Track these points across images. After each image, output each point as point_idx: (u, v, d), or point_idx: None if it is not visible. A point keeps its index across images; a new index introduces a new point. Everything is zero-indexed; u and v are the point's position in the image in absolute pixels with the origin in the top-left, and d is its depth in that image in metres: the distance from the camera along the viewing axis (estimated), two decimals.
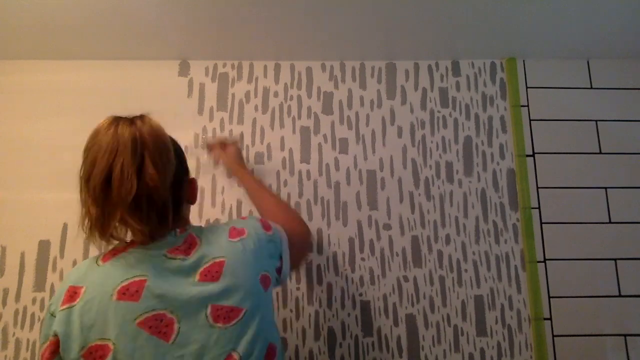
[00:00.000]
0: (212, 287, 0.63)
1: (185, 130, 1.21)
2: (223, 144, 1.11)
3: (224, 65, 1.26)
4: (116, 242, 0.67)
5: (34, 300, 1.10)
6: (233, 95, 1.24)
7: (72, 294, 0.62)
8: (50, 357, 0.60)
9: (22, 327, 1.08)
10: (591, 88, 1.25)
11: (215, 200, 1.17)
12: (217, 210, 1.17)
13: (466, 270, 1.15)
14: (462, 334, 1.12)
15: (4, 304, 1.09)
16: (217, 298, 0.63)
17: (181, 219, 0.73)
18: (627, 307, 1.13)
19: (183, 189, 0.73)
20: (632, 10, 1.05)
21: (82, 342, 0.58)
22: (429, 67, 1.27)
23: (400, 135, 1.23)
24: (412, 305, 1.13)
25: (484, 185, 1.20)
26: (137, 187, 0.61)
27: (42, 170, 1.17)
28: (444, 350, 1.11)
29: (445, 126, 1.24)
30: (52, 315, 0.63)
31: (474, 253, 1.16)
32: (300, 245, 0.85)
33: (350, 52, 1.23)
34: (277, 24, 1.09)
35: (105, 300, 0.60)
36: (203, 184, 1.18)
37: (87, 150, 0.66)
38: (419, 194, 1.19)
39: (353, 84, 1.26)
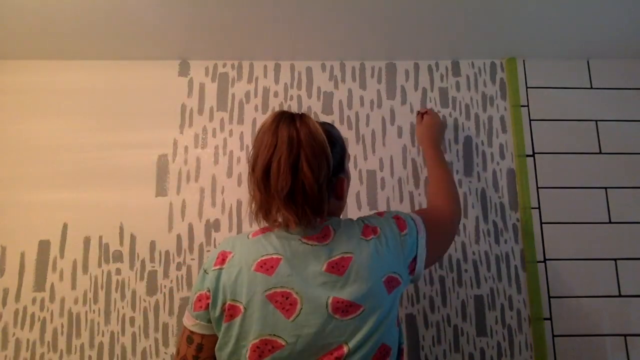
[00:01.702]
0: (335, 280, 0.67)
1: (185, 130, 1.21)
2: (422, 114, 1.15)
3: (224, 65, 1.26)
4: (278, 225, 0.74)
5: (34, 300, 1.10)
6: (233, 95, 1.24)
7: (223, 257, 0.72)
8: (202, 307, 0.70)
9: (22, 327, 1.08)
10: (591, 88, 1.25)
11: (215, 201, 1.17)
12: (217, 210, 1.17)
13: (466, 270, 1.15)
14: (462, 334, 1.12)
15: (4, 304, 1.09)
16: (340, 291, 0.66)
17: (326, 211, 0.75)
18: (627, 307, 1.13)
19: (332, 185, 0.76)
20: (632, 10, 1.05)
21: (224, 299, 0.68)
22: (429, 67, 1.27)
23: (400, 135, 1.23)
24: (412, 305, 1.13)
25: (484, 185, 1.20)
26: (292, 182, 0.67)
27: (42, 170, 1.17)
28: (444, 350, 1.11)
29: (445, 126, 1.23)
30: (205, 272, 0.72)
31: (474, 253, 1.16)
32: (442, 233, 0.84)
33: (350, 52, 1.23)
34: (277, 24, 1.09)
35: (245, 269, 0.69)
36: (203, 184, 1.18)
37: (255, 142, 0.73)
38: (419, 194, 1.19)
39: (353, 84, 1.26)
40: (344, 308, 0.65)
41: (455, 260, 1.16)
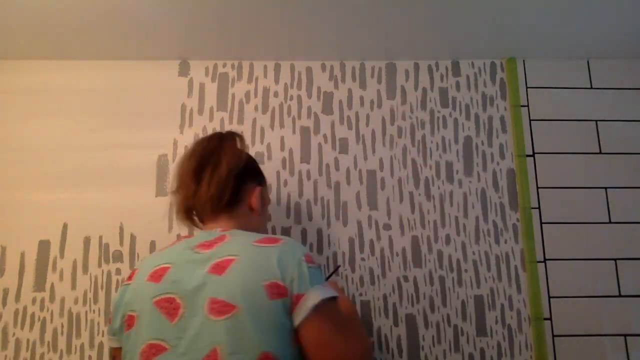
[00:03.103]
0: (214, 280, 0.67)
1: (185, 130, 1.21)
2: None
3: (224, 65, 1.26)
4: (191, 225, 0.85)
5: (34, 300, 1.10)
6: (233, 95, 1.24)
7: (132, 274, 0.77)
8: (109, 322, 0.77)
9: (22, 327, 1.08)
10: (591, 88, 1.25)
11: None
12: None
13: (466, 270, 1.15)
14: (462, 334, 1.12)
15: (4, 304, 1.09)
16: (216, 291, 0.65)
17: (232, 219, 0.81)
18: (627, 307, 1.13)
19: (243, 191, 0.83)
20: (632, 10, 1.05)
21: (124, 311, 0.72)
22: (429, 67, 1.27)
23: (400, 135, 1.23)
24: (412, 305, 1.13)
25: (484, 185, 1.20)
26: (201, 163, 0.79)
27: (42, 170, 1.17)
28: (444, 350, 1.11)
29: (445, 126, 1.24)
30: (120, 287, 0.77)
31: (474, 253, 1.16)
32: (338, 338, 0.69)
33: (350, 52, 1.23)
34: (277, 24, 1.09)
35: (142, 280, 0.72)
36: None
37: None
38: (419, 194, 1.19)
39: (353, 84, 1.26)
40: (218, 308, 0.64)
41: (455, 260, 1.16)
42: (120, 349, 0.73)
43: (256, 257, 0.68)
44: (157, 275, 0.71)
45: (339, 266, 1.12)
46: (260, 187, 0.86)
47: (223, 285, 0.66)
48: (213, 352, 0.62)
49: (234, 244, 0.72)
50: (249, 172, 0.86)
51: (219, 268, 0.67)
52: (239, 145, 0.85)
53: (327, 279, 0.99)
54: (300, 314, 0.65)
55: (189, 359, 0.63)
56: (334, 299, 0.69)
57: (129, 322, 0.70)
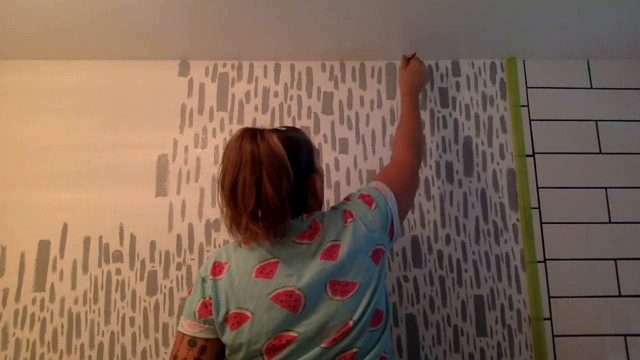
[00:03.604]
0: (330, 265, 0.73)
1: (185, 130, 1.21)
2: (408, 59, 1.18)
3: (224, 65, 1.26)
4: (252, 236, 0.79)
5: (34, 300, 1.10)
6: (233, 95, 1.24)
7: (219, 268, 0.76)
8: (205, 313, 0.73)
9: (22, 327, 1.08)
10: (591, 88, 1.25)
11: (215, 201, 1.17)
12: (217, 210, 1.16)
13: (466, 270, 1.15)
14: (462, 334, 1.12)
15: (4, 304, 1.09)
16: (335, 275, 0.73)
17: (308, 208, 0.82)
18: (627, 307, 1.13)
19: (305, 186, 0.82)
20: (632, 10, 1.05)
21: (226, 309, 0.72)
22: (429, 67, 1.27)
23: None
24: (412, 305, 1.13)
25: (484, 185, 1.20)
26: (256, 199, 0.71)
27: (42, 170, 1.17)
28: (444, 350, 1.11)
29: (445, 126, 1.24)
30: (204, 280, 0.76)
31: (474, 253, 1.16)
32: (406, 187, 0.90)
33: (350, 52, 1.23)
34: (277, 24, 1.09)
35: (246, 276, 0.73)
36: (203, 184, 1.18)
37: (223, 159, 0.76)
38: (419, 194, 1.19)
39: (353, 84, 1.26)
40: (341, 289, 0.72)
41: (455, 260, 1.16)
42: (216, 340, 0.73)
43: (353, 236, 0.76)
44: (266, 271, 0.73)
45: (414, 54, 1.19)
46: (316, 177, 0.83)
47: (339, 268, 0.73)
48: (345, 325, 0.70)
49: (331, 229, 0.77)
50: (303, 171, 0.80)
51: (330, 254, 0.74)
52: (277, 142, 0.76)
53: (410, 59, 1.17)
54: (398, 230, 0.84)
55: (322, 337, 0.70)
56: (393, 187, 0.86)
57: (237, 319, 0.71)
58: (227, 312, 0.72)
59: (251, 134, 0.74)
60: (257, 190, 0.71)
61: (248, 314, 0.71)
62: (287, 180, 0.74)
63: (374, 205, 0.82)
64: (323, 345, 0.70)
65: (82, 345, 1.08)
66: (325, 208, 1.17)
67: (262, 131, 0.75)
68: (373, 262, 0.76)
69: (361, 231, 0.78)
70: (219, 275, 0.74)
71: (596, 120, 1.23)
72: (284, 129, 0.84)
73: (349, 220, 0.79)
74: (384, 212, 0.82)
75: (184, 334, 0.74)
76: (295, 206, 0.77)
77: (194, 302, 0.75)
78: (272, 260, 0.74)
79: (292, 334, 0.70)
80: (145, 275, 1.12)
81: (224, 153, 0.75)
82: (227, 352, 0.73)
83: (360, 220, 0.79)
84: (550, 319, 1.12)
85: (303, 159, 0.82)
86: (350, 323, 0.71)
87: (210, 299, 0.73)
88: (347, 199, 0.86)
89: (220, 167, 0.75)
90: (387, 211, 0.82)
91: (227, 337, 0.72)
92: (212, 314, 0.73)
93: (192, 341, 0.73)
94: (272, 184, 0.71)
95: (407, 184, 0.92)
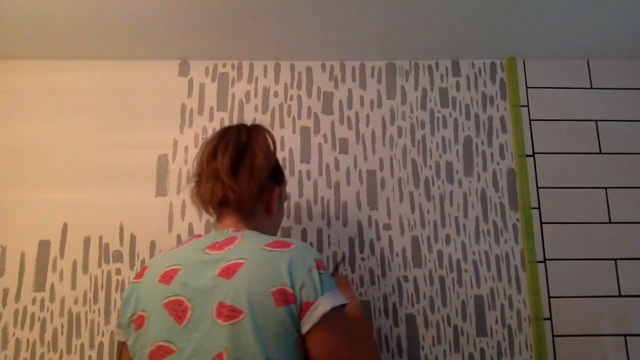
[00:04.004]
0: (223, 284, 0.66)
1: (185, 130, 1.21)
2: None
3: (224, 65, 1.26)
4: (207, 213, 0.81)
5: (34, 300, 1.10)
6: (233, 95, 1.24)
7: (142, 272, 0.76)
8: (118, 316, 0.75)
9: (22, 327, 1.08)
10: (591, 88, 1.25)
11: None
12: None
13: (466, 270, 1.15)
14: (462, 334, 1.12)
15: (4, 304, 1.09)
16: (224, 295, 0.65)
17: (245, 220, 0.79)
18: (627, 307, 1.13)
19: (262, 194, 0.80)
20: (632, 10, 1.05)
21: (133, 310, 0.71)
22: (429, 67, 1.27)
23: (400, 135, 1.23)
24: (412, 305, 1.13)
25: (484, 185, 1.20)
26: (236, 156, 0.75)
27: (42, 170, 1.17)
28: (444, 350, 1.11)
29: (445, 126, 1.24)
30: (129, 284, 0.77)
31: (474, 253, 1.16)
32: (348, 345, 0.68)
33: (350, 52, 1.23)
34: (277, 24, 1.09)
35: (152, 280, 0.72)
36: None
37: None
38: (419, 194, 1.19)
39: (353, 84, 1.26)
40: (226, 313, 0.64)
41: (455, 260, 1.16)
42: (125, 343, 0.73)
43: (265, 262, 0.67)
44: (167, 277, 0.70)
45: (343, 256, 1.13)
46: (278, 188, 0.83)
47: (231, 289, 0.65)
48: (219, 356, 0.62)
49: (244, 246, 0.71)
50: (272, 171, 0.82)
51: (228, 272, 0.67)
52: (269, 140, 0.82)
53: (334, 272, 1.00)
54: (309, 322, 0.64)
55: None
56: (343, 306, 0.68)
57: (138, 321, 0.70)
58: (133, 314, 0.71)
59: (233, 129, 0.81)
60: (241, 149, 0.76)
61: (145, 316, 0.69)
62: (272, 160, 0.79)
63: (323, 271, 0.68)
64: None
65: (82, 345, 1.08)
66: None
67: (253, 125, 0.83)
68: (273, 300, 0.63)
69: (282, 264, 0.66)
70: (139, 279, 0.75)
71: (596, 120, 1.23)
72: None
73: (277, 248, 0.69)
74: (317, 285, 0.66)
75: None
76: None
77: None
78: (175, 267, 0.71)
79: (171, 346, 0.66)
80: None
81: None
82: (130, 356, 0.71)
83: (292, 257, 0.68)
84: (550, 319, 1.12)
85: (279, 167, 0.86)
86: (224, 355, 0.62)
87: (122, 300, 0.74)
88: (292, 242, 0.72)
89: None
90: (317, 292, 0.65)
91: (131, 339, 0.70)
92: (120, 317, 0.74)
93: (117, 345, 0.77)
94: (262, 151, 0.77)
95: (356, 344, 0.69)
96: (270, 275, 0.65)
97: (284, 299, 0.64)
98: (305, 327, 0.64)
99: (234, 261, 0.68)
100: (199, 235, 0.79)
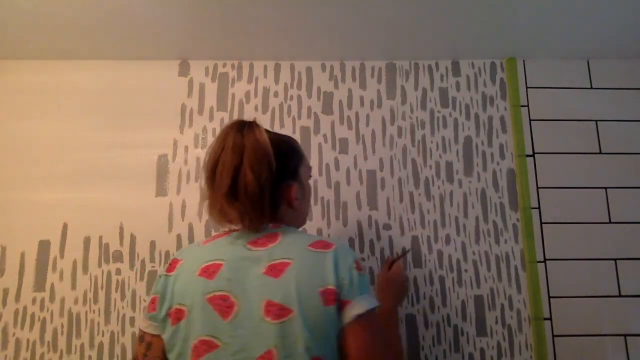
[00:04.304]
0: (270, 282, 0.68)
1: (185, 130, 1.21)
2: (391, 262, 1.04)
3: (224, 65, 1.26)
4: (229, 225, 0.77)
5: (34, 300, 1.10)
6: (233, 95, 1.24)
7: (173, 265, 0.75)
8: (153, 310, 0.73)
9: (22, 327, 1.08)
10: (591, 88, 1.25)
11: None
12: None
13: (466, 270, 1.15)
14: (462, 334, 1.12)
15: (4, 304, 1.09)
16: (273, 294, 0.67)
17: (277, 219, 0.78)
18: (627, 307, 1.13)
19: (281, 191, 0.78)
20: (632, 10, 1.05)
21: (169, 304, 0.71)
22: (429, 67, 1.27)
23: (400, 135, 1.23)
24: (412, 305, 1.13)
25: (484, 185, 1.20)
26: (232, 181, 0.72)
27: (42, 170, 1.17)
28: (444, 350, 1.11)
29: (445, 126, 1.24)
30: (160, 277, 0.76)
31: (474, 253, 1.16)
32: (376, 344, 0.70)
33: (350, 52, 1.23)
34: (277, 24, 1.09)
35: (191, 274, 0.72)
36: (203, 184, 1.18)
37: (210, 146, 0.78)
38: (419, 194, 1.19)
39: (353, 84, 1.26)
40: (275, 311, 0.65)
41: (455, 260, 1.16)
42: (158, 336, 0.72)
43: (311, 262, 0.69)
44: (209, 271, 0.71)
45: (408, 250, 1.14)
46: (295, 186, 0.80)
47: (279, 288, 0.67)
48: (268, 353, 0.64)
49: (289, 246, 0.72)
50: (280, 174, 0.78)
51: (275, 271, 0.68)
52: (264, 137, 0.77)
53: (394, 261, 1.02)
54: (344, 320, 0.68)
55: (242, 357, 0.65)
56: (374, 309, 0.71)
57: (177, 315, 0.70)
58: (169, 307, 0.71)
59: (239, 124, 0.76)
60: (234, 173, 0.72)
61: (185, 310, 0.69)
62: (269, 170, 0.73)
63: (362, 272, 0.72)
64: None
65: (82, 345, 1.08)
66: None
67: (250, 123, 0.76)
68: (321, 299, 0.66)
69: (326, 265, 0.69)
70: (171, 272, 0.74)
71: (596, 120, 1.23)
72: (280, 134, 0.84)
73: (320, 249, 0.71)
74: (358, 287, 0.69)
75: (140, 329, 0.76)
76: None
77: (149, 299, 0.77)
78: (217, 262, 0.72)
79: (215, 341, 0.66)
80: (145, 275, 1.12)
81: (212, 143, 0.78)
82: (166, 348, 0.71)
83: (334, 258, 0.70)
84: (550, 319, 1.12)
85: (288, 162, 0.81)
86: (274, 353, 0.64)
87: (157, 294, 0.73)
88: (344, 245, 0.75)
89: (206, 154, 0.78)
90: (358, 290, 0.69)
91: (167, 332, 0.70)
92: (156, 310, 0.73)
93: (142, 337, 0.75)
94: (252, 170, 0.72)
95: (380, 339, 0.71)
96: (318, 275, 0.68)
97: (332, 298, 0.67)
98: (340, 324, 0.68)
99: (280, 260, 0.70)
100: (231, 231, 0.78)
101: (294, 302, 0.66)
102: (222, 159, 0.74)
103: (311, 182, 1.19)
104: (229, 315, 0.67)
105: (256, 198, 0.72)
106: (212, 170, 0.75)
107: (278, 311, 0.65)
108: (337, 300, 0.67)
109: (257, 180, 0.72)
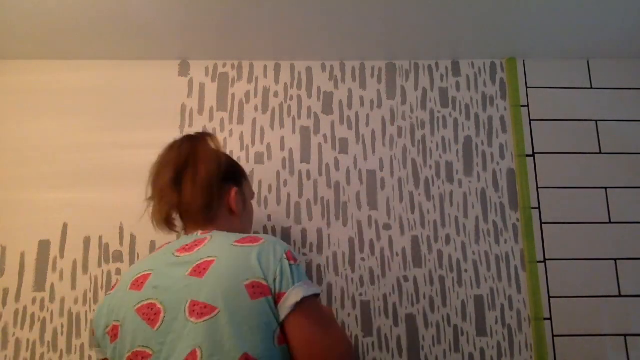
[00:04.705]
0: (194, 282, 0.67)
1: (185, 130, 1.21)
2: None
3: (224, 65, 1.26)
4: (171, 230, 0.82)
5: (34, 300, 1.10)
6: (233, 95, 1.24)
7: (114, 284, 0.77)
8: (92, 333, 0.76)
9: (22, 327, 1.08)
10: (591, 88, 1.25)
11: None
12: None
13: (466, 270, 1.15)
14: (462, 334, 1.12)
15: (4, 304, 1.09)
16: (197, 294, 0.66)
17: (212, 225, 0.80)
18: (627, 307, 1.13)
19: (222, 192, 0.81)
20: (632, 10, 1.05)
21: (106, 321, 0.71)
22: (429, 67, 1.27)
23: (400, 135, 1.23)
24: (412, 305, 1.13)
25: (484, 185, 1.20)
26: (175, 175, 0.77)
27: (42, 170, 1.17)
28: (444, 350, 1.11)
29: (445, 126, 1.24)
30: (103, 298, 0.77)
31: (474, 253, 1.16)
32: (320, 335, 0.69)
33: (350, 52, 1.23)
34: (277, 24, 1.09)
35: (124, 289, 0.72)
36: None
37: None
38: (419, 194, 1.19)
39: (353, 84, 1.26)
40: (199, 310, 0.64)
41: (455, 260, 1.16)
42: (106, 358, 0.73)
43: (235, 257, 0.68)
44: (138, 283, 0.71)
45: None
46: (236, 188, 0.84)
47: (203, 287, 0.66)
48: (192, 354, 0.62)
49: (214, 245, 0.72)
50: (225, 174, 0.83)
51: (199, 270, 0.68)
52: (212, 145, 0.84)
53: None
54: (283, 312, 0.66)
55: None
56: (316, 296, 0.70)
57: (113, 332, 0.70)
58: (107, 326, 0.71)
59: (190, 135, 0.85)
60: (177, 167, 0.78)
61: (118, 325, 0.69)
62: (217, 167, 0.79)
63: (293, 262, 0.70)
64: None
65: (82, 345, 1.08)
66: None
67: (202, 133, 0.84)
68: (247, 293, 0.65)
69: (252, 257, 0.67)
70: (111, 291, 0.75)
71: (596, 120, 1.23)
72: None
73: (246, 243, 0.70)
74: (288, 278, 0.68)
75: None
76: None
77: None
78: (145, 273, 0.72)
79: (147, 351, 0.65)
80: None
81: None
82: None
83: (261, 250, 0.69)
84: (550, 319, 1.12)
85: (234, 170, 0.87)
86: (198, 353, 0.62)
87: (95, 317, 0.74)
88: (261, 237, 0.74)
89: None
90: (289, 283, 0.67)
91: (110, 350, 0.70)
92: (95, 333, 0.73)
93: None
94: (203, 162, 0.78)
95: (326, 340, 0.69)
96: (242, 269, 0.67)
97: (259, 291, 0.66)
98: (280, 317, 0.66)
99: (204, 259, 0.69)
100: (166, 244, 0.82)
101: (219, 299, 0.64)
102: (167, 159, 0.79)
103: (311, 182, 1.19)
104: (157, 323, 0.66)
105: (205, 184, 0.76)
106: (156, 171, 0.80)
107: (202, 310, 0.64)
108: (266, 293, 0.66)
109: (207, 172, 0.77)
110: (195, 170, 0.78)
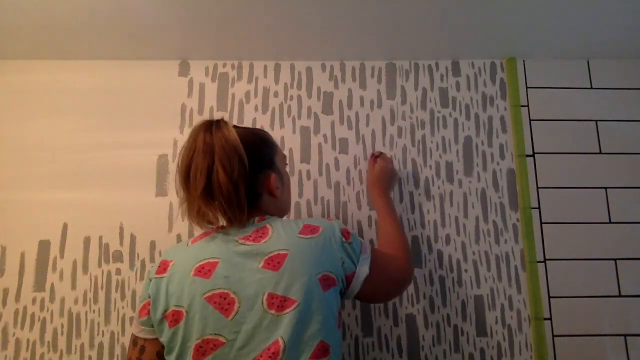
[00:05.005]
0: (270, 276, 0.70)
1: (185, 130, 1.21)
2: (376, 157, 1.14)
3: (224, 65, 1.26)
4: (210, 225, 0.79)
5: (34, 300, 1.10)
6: (233, 95, 1.24)
7: (163, 267, 0.76)
8: (144, 314, 0.74)
9: (22, 327, 1.08)
10: (591, 88, 1.25)
11: None
12: None
13: (466, 270, 1.15)
14: (462, 334, 1.12)
15: (4, 304, 1.09)
16: (274, 287, 0.69)
17: (260, 210, 0.81)
18: (627, 307, 1.13)
19: (260, 181, 0.80)
20: (632, 10, 1.05)
21: (165, 306, 0.72)
22: (429, 67, 1.27)
23: (400, 135, 1.23)
24: (412, 305, 1.13)
25: (484, 185, 1.20)
26: (206, 182, 0.73)
27: (42, 170, 1.17)
28: (444, 350, 1.11)
29: (445, 126, 1.24)
30: (150, 280, 0.77)
31: (474, 253, 1.16)
32: (389, 273, 0.83)
33: (350, 52, 1.23)
34: (277, 24, 1.09)
35: (185, 274, 0.72)
36: None
37: (182, 148, 0.79)
38: (419, 194, 1.19)
39: (353, 84, 1.26)
40: (278, 303, 0.68)
41: (455, 260, 1.16)
42: (154, 340, 0.74)
43: (306, 250, 0.73)
44: (205, 270, 0.72)
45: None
46: (274, 175, 0.82)
47: (280, 280, 0.69)
48: (274, 344, 0.66)
49: (280, 237, 0.74)
50: (252, 166, 0.79)
51: (273, 264, 0.71)
52: (231, 136, 0.78)
53: (377, 157, 1.12)
54: (356, 287, 0.76)
55: (248, 351, 0.67)
56: (373, 256, 0.80)
57: (174, 317, 0.70)
58: (165, 310, 0.71)
59: (207, 124, 0.78)
60: (208, 174, 0.73)
61: (183, 311, 0.70)
62: (241, 165, 0.75)
63: (350, 240, 0.78)
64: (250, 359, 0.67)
65: (82, 345, 1.08)
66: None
67: (218, 121, 0.78)
68: (320, 286, 0.71)
69: (318, 250, 0.73)
70: (162, 274, 0.75)
71: (596, 120, 1.23)
72: (251, 128, 0.86)
73: (309, 235, 0.75)
74: (356, 252, 0.78)
75: (132, 333, 0.77)
76: (249, 202, 0.77)
77: (139, 303, 0.77)
78: (211, 260, 0.73)
79: (220, 339, 0.68)
80: (146, 275, 1.12)
81: (184, 144, 0.78)
82: (165, 351, 0.72)
83: (324, 241, 0.75)
84: (550, 319, 1.12)
85: (261, 153, 0.82)
86: (281, 343, 0.66)
87: (149, 297, 0.74)
88: (329, 219, 0.82)
89: (178, 157, 0.79)
90: (357, 254, 0.78)
91: (166, 335, 0.71)
92: (149, 314, 0.73)
93: (134, 341, 0.76)
94: (223, 169, 0.73)
95: (393, 275, 0.84)
96: (314, 263, 0.72)
97: (329, 283, 0.72)
98: (354, 291, 0.77)
99: (276, 252, 0.72)
100: (219, 228, 0.80)
101: (298, 293, 0.69)
102: (195, 161, 0.75)
103: (311, 182, 1.19)
104: (231, 312, 0.68)
105: (231, 195, 0.74)
106: (186, 173, 0.76)
107: (282, 302, 0.68)
108: (334, 284, 0.73)
109: (230, 178, 0.74)
110: (219, 181, 0.74)
